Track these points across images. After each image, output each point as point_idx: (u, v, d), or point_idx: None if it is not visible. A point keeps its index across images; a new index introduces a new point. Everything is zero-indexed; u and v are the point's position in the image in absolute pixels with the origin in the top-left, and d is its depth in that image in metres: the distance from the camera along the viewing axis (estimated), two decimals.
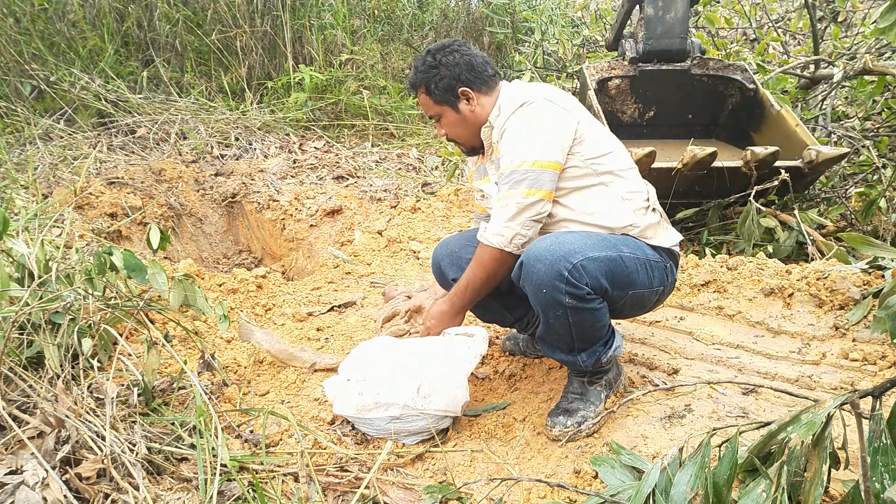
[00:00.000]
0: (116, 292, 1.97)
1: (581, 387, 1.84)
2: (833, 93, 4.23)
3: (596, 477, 1.57)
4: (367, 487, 1.57)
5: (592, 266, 1.59)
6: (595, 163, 1.72)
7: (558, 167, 1.69)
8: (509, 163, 1.68)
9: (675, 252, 1.83)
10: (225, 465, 1.54)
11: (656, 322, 2.43)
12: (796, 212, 3.04)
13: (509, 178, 1.68)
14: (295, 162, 4.73)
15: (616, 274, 1.63)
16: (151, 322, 2.27)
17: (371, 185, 4.33)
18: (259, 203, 4.14)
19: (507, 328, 2.29)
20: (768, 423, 1.27)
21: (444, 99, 1.83)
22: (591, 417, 1.78)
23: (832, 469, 1.22)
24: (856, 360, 1.99)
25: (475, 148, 1.95)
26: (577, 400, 1.82)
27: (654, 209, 1.81)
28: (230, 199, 4.23)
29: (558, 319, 1.63)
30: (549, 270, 1.56)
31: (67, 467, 1.42)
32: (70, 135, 4.60)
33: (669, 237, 1.81)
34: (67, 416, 1.49)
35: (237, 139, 4.93)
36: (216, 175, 4.40)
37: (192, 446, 1.61)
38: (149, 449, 1.55)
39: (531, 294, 1.63)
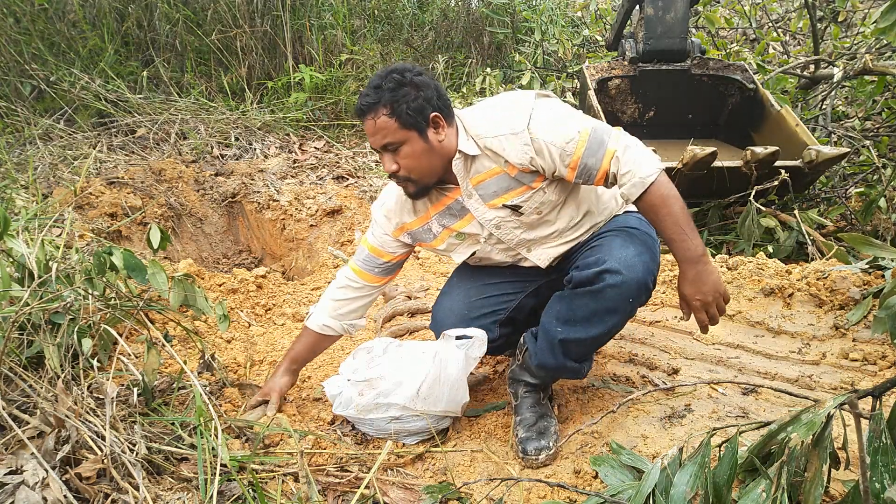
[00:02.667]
0: (116, 292, 1.97)
1: (537, 403, 1.83)
2: (833, 93, 4.23)
3: (596, 477, 1.57)
4: (367, 487, 1.57)
5: (657, 275, 1.66)
6: None
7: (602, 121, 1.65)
8: (572, 152, 1.55)
9: None
10: (225, 465, 1.54)
11: (656, 322, 2.43)
12: (796, 212, 3.04)
13: (589, 154, 1.54)
14: (295, 162, 4.73)
15: (657, 273, 1.70)
16: (151, 322, 2.27)
17: (371, 185, 4.33)
18: (259, 203, 4.14)
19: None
20: (768, 423, 1.27)
21: (412, 123, 1.57)
22: (556, 427, 1.79)
23: (832, 469, 1.22)
24: (856, 360, 1.99)
25: (427, 187, 1.69)
26: (541, 417, 1.80)
27: None
28: (230, 199, 4.23)
29: (614, 327, 1.64)
30: (641, 282, 1.57)
31: (67, 467, 1.42)
32: (70, 135, 4.59)
33: None
34: (67, 416, 1.49)
35: (237, 139, 4.93)
36: (216, 175, 4.40)
37: (192, 446, 1.61)
38: (149, 449, 1.55)
39: (610, 300, 1.58)
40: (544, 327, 1.72)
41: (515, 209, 1.68)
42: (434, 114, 1.60)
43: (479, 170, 1.66)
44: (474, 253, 1.81)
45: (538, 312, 1.80)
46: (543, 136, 1.55)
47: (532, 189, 1.64)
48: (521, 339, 1.86)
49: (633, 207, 1.83)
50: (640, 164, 1.54)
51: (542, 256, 1.77)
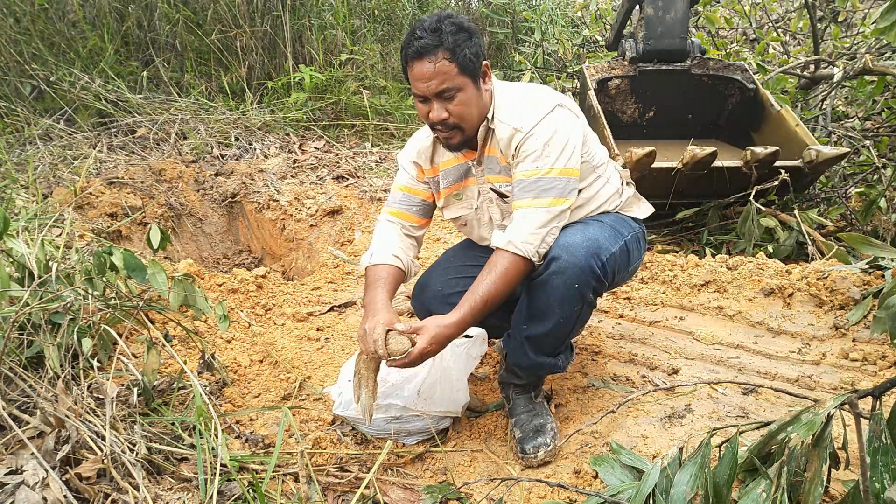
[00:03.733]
0: (116, 292, 1.97)
1: (530, 403, 1.84)
2: (833, 93, 4.23)
3: (596, 477, 1.57)
4: (367, 487, 1.57)
5: (612, 262, 1.64)
6: (592, 157, 1.74)
7: (577, 173, 1.65)
8: (534, 169, 1.58)
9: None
10: (225, 465, 1.54)
11: (656, 322, 2.43)
12: (796, 212, 3.04)
13: (534, 185, 1.58)
14: (295, 162, 4.73)
15: (623, 263, 1.71)
16: (151, 322, 2.27)
17: (371, 185, 4.33)
18: (259, 203, 4.14)
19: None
20: (768, 423, 1.27)
21: (470, 70, 1.55)
22: (554, 424, 1.80)
23: (832, 469, 1.22)
24: (856, 360, 1.99)
25: (468, 140, 1.68)
26: (536, 416, 1.81)
27: (629, 183, 1.93)
28: (230, 199, 4.23)
29: (570, 317, 1.63)
30: (584, 265, 1.57)
31: (67, 467, 1.42)
32: (70, 135, 4.59)
33: (645, 209, 1.91)
34: (67, 416, 1.49)
35: (237, 139, 4.93)
36: (216, 175, 4.40)
37: (192, 446, 1.61)
38: (149, 449, 1.55)
39: (556, 289, 1.59)
40: (513, 326, 1.75)
41: (502, 196, 1.74)
42: (485, 63, 1.61)
43: (493, 143, 1.69)
44: (462, 218, 1.86)
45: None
46: (532, 146, 1.60)
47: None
48: (500, 341, 1.88)
49: (633, 210, 1.86)
50: (524, 233, 1.58)
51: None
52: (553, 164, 1.59)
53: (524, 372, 1.80)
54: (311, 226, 3.96)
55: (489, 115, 1.66)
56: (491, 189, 1.75)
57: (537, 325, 1.66)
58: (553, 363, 1.75)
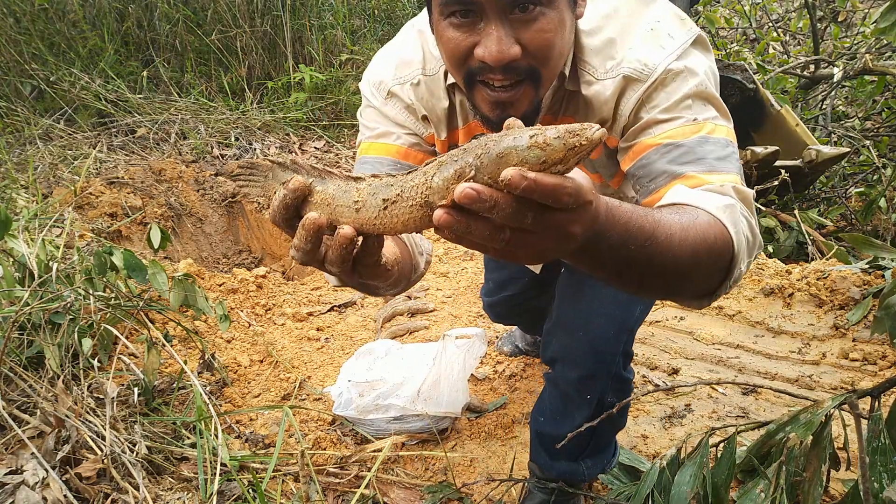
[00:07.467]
0: (116, 292, 1.97)
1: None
2: (833, 93, 4.23)
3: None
4: (367, 487, 1.57)
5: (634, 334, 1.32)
6: None
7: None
8: (692, 123, 0.98)
9: None
10: (225, 465, 1.54)
11: (656, 322, 2.43)
12: (796, 212, 3.04)
13: (698, 148, 0.96)
14: None
15: (645, 308, 1.35)
16: (151, 322, 2.27)
17: None
18: (259, 203, 4.14)
19: (509, 327, 2.28)
20: (767, 423, 1.27)
21: None
22: None
23: (832, 469, 1.22)
24: (856, 360, 1.99)
25: (540, 102, 0.99)
26: None
27: None
28: (230, 199, 4.23)
29: (589, 421, 1.26)
30: (598, 373, 1.25)
31: (67, 467, 1.42)
32: (70, 135, 4.59)
33: None
34: (67, 416, 1.49)
35: (237, 139, 4.93)
36: (216, 175, 4.40)
37: (193, 446, 1.61)
38: (149, 449, 1.55)
39: (568, 396, 1.30)
40: (532, 415, 1.47)
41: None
42: None
43: (570, 111, 1.10)
44: None
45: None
46: (678, 89, 1.01)
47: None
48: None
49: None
50: (734, 213, 0.92)
51: None
52: (716, 116, 1.02)
53: (539, 472, 1.49)
54: None
55: (566, 61, 1.01)
56: None
57: (549, 425, 1.38)
58: (573, 470, 1.43)
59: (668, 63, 0.98)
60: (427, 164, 0.60)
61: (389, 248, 0.86)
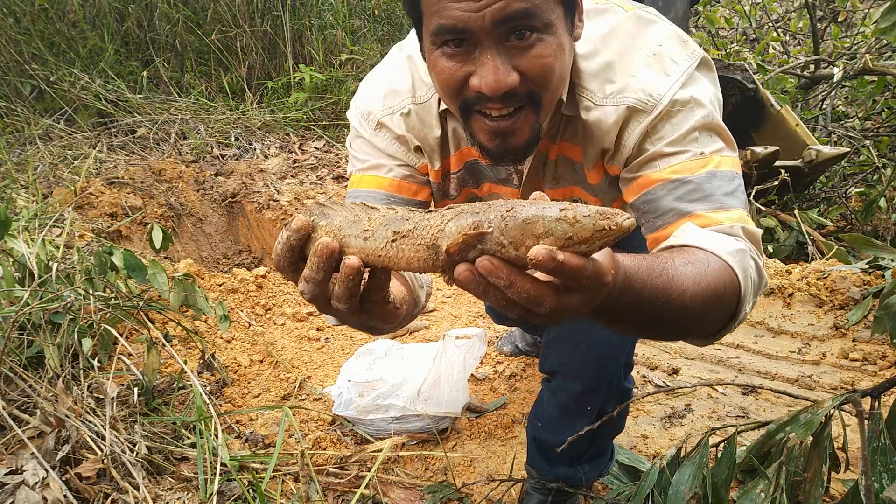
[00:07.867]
0: (116, 292, 1.97)
1: None
2: (833, 93, 4.23)
3: None
4: (367, 487, 1.57)
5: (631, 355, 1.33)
6: None
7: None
8: (699, 157, 0.95)
9: None
10: (225, 465, 1.54)
11: None
12: (796, 212, 3.04)
13: (706, 185, 0.94)
14: (295, 162, 4.73)
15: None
16: (151, 322, 2.27)
17: None
18: (259, 203, 4.14)
19: (507, 329, 2.28)
20: (767, 423, 1.27)
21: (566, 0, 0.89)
22: None
23: (832, 470, 1.22)
24: (856, 360, 1.99)
25: (537, 136, 0.96)
26: None
27: None
28: (230, 199, 4.23)
29: (584, 428, 1.26)
30: (598, 386, 1.26)
31: (67, 467, 1.42)
32: (70, 135, 4.59)
33: None
34: (67, 416, 1.49)
35: (237, 139, 4.93)
36: (216, 175, 4.40)
37: (193, 446, 1.61)
38: (149, 449, 1.55)
39: (567, 406, 1.31)
40: (529, 419, 1.47)
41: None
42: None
43: (567, 136, 1.08)
44: None
45: None
46: (684, 121, 1.00)
47: None
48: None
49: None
50: (744, 254, 0.95)
51: None
52: (722, 148, 0.98)
53: (537, 474, 1.49)
54: None
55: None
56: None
57: (546, 431, 1.38)
58: (570, 474, 1.44)
59: (673, 93, 0.96)
60: (447, 208, 0.61)
61: (395, 286, 0.85)
